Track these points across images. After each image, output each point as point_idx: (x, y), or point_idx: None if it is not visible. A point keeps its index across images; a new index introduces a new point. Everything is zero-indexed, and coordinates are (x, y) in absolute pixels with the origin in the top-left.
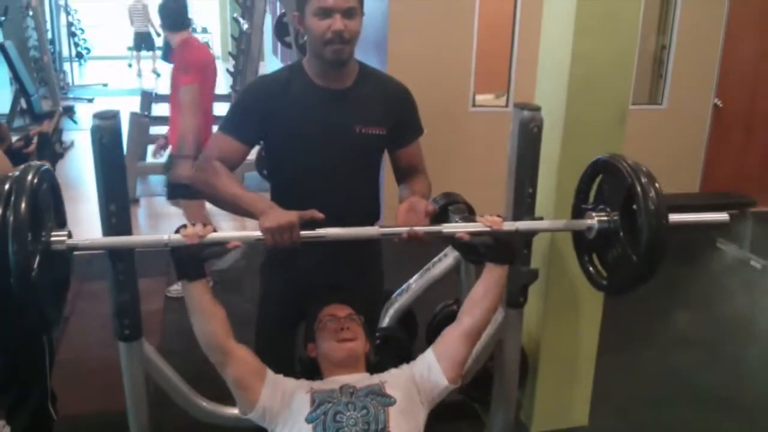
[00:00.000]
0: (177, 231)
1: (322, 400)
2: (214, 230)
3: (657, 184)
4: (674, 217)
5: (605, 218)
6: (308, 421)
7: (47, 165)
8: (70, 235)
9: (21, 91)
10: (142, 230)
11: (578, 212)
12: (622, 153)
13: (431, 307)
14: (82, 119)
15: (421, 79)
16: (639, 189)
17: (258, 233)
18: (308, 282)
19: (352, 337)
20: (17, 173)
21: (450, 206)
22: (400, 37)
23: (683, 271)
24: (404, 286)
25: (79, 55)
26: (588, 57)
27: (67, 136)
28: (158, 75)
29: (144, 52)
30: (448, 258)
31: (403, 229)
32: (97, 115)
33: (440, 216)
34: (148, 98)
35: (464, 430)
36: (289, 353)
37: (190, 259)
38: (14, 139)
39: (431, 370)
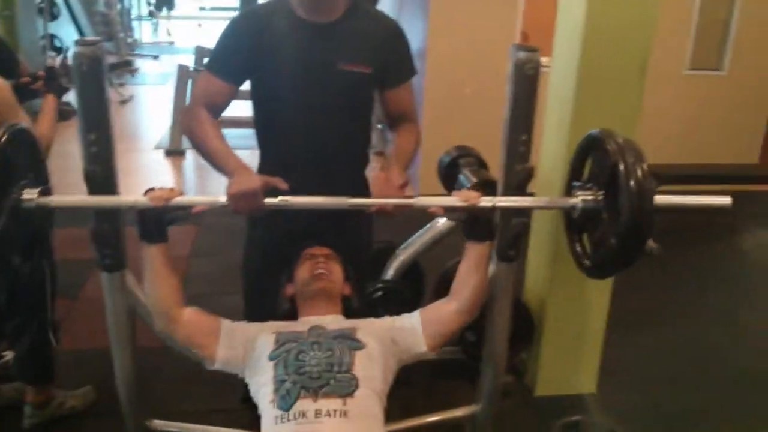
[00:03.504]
0: (146, 193)
1: (287, 339)
2: (181, 194)
3: (644, 164)
4: (663, 199)
5: (590, 197)
6: (270, 358)
7: (23, 125)
8: (44, 193)
9: None
10: (189, 184)
11: (569, 189)
12: (640, 106)
13: (441, 263)
14: (149, 76)
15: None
16: (622, 168)
17: (223, 199)
18: (291, 229)
19: (326, 272)
20: None
21: (461, 159)
22: None
23: (710, 248)
24: (409, 240)
25: (151, 14)
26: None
27: (127, 90)
28: None
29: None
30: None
31: (373, 202)
32: (79, 42)
33: (451, 168)
34: (202, 53)
35: (466, 388)
36: (274, 299)
37: (153, 222)
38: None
39: (413, 333)
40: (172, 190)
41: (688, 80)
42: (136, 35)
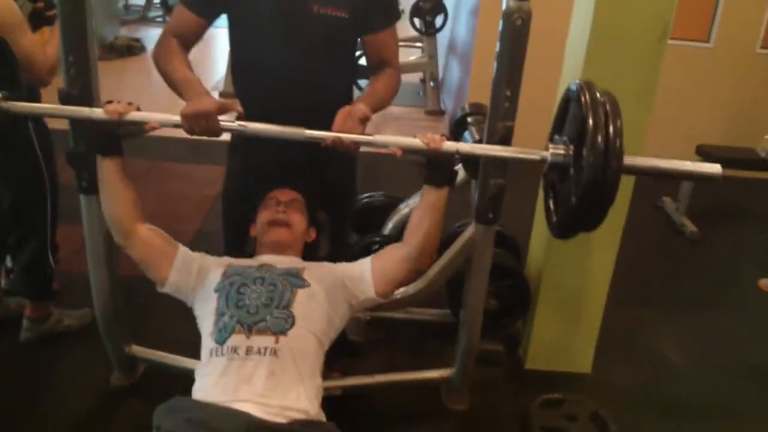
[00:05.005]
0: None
1: (234, 273)
2: (138, 109)
3: (618, 121)
4: (637, 161)
5: (561, 152)
6: (215, 290)
7: None
8: (5, 99)
9: None
10: None
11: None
12: (657, 76)
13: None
14: None
15: None
16: (591, 122)
17: (177, 117)
18: (266, 165)
19: (285, 221)
20: None
21: (470, 116)
22: None
23: (747, 233)
24: (413, 197)
25: None
26: None
27: None
28: None
29: None
30: (458, 173)
31: (329, 135)
32: None
33: (460, 125)
34: None
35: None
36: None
37: (106, 134)
38: None
39: (363, 278)
40: (129, 104)
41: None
42: None
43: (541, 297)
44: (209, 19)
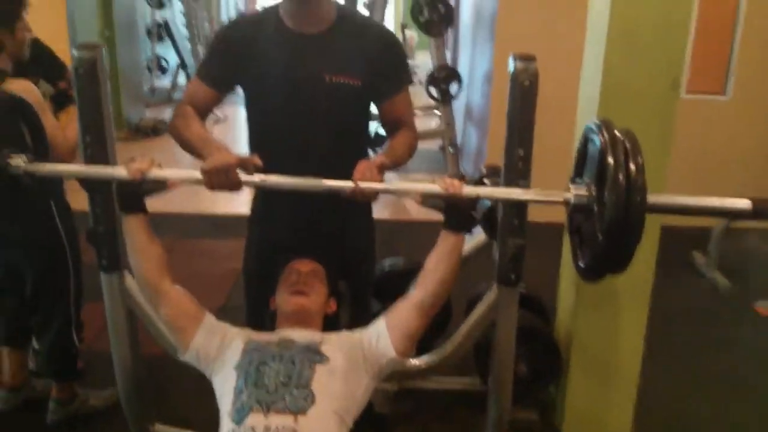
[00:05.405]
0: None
1: (254, 349)
2: (159, 166)
3: (639, 157)
4: (663, 199)
5: (584, 192)
6: (235, 367)
7: (21, 96)
8: (32, 161)
9: (181, 66)
10: None
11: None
12: (672, 124)
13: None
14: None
15: None
16: (611, 159)
17: (198, 174)
18: (283, 237)
19: (305, 292)
20: None
21: (487, 178)
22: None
23: None
24: None
25: None
26: (630, 8)
27: (222, 110)
28: None
29: None
30: (478, 236)
31: (348, 184)
32: (80, 47)
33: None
34: None
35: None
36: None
37: (130, 193)
38: None
39: (380, 338)
40: (151, 161)
41: None
42: None
43: (572, 360)
44: (223, 92)
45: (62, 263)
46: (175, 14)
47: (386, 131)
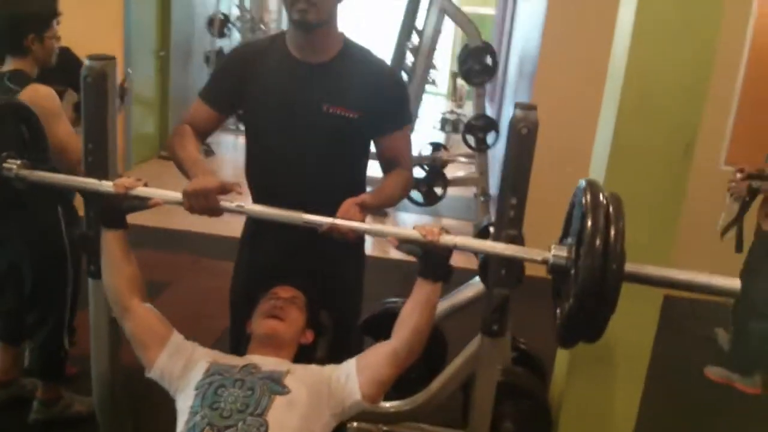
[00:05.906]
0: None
1: (216, 372)
2: (145, 185)
3: (620, 223)
4: (641, 269)
5: (563, 254)
6: (195, 387)
7: (22, 101)
8: (25, 167)
9: None
10: None
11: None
12: (683, 195)
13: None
14: None
15: None
16: (590, 223)
17: (179, 195)
18: (272, 263)
19: (280, 317)
20: None
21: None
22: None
23: None
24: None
25: None
26: (646, 69)
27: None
28: None
29: None
30: (474, 286)
31: (326, 220)
32: (91, 57)
33: (483, 234)
34: None
35: None
36: None
37: (112, 207)
38: None
39: (348, 379)
40: (137, 180)
41: None
42: None
43: (561, 423)
44: (224, 113)
45: (61, 268)
46: (233, 44)
47: (382, 169)
